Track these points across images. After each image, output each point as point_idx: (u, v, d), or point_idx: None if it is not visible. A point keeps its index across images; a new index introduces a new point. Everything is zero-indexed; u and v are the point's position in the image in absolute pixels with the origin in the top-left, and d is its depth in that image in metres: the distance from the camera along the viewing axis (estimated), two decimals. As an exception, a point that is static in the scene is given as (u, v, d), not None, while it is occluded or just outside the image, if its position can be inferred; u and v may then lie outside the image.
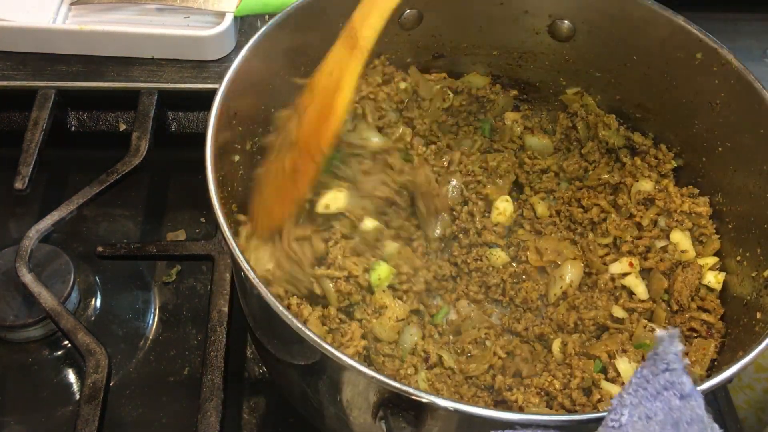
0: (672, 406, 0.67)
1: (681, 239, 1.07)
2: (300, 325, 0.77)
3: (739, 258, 1.03)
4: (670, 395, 0.67)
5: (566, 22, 1.13)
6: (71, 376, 1.15)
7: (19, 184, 1.20)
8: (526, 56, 1.20)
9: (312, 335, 0.77)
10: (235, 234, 0.86)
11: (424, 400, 0.75)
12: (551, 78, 1.21)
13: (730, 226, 1.06)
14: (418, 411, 0.78)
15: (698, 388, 0.71)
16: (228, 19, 1.36)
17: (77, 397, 1.12)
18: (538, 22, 1.15)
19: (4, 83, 1.32)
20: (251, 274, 0.81)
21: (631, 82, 1.15)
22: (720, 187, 1.09)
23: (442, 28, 1.17)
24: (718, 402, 1.16)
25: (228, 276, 1.13)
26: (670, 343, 0.68)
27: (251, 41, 0.98)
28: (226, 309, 1.10)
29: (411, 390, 0.75)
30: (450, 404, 0.75)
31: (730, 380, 0.79)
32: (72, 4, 1.38)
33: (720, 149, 1.07)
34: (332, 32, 1.09)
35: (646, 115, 1.16)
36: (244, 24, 1.42)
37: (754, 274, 1.00)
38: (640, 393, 0.67)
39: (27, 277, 1.09)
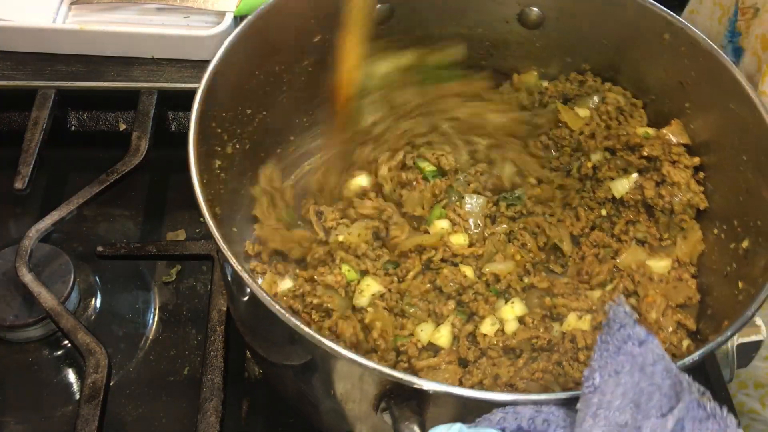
0: (634, 354, 0.72)
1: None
2: (297, 322, 0.77)
3: (716, 231, 1.04)
4: (629, 347, 0.72)
5: (535, 9, 1.14)
6: (71, 376, 1.15)
7: (19, 184, 1.20)
8: (497, 45, 1.20)
9: (309, 331, 0.77)
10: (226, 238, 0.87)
11: (425, 388, 0.76)
12: (523, 65, 1.23)
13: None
14: (420, 399, 0.78)
15: (691, 357, 0.79)
16: (228, 19, 1.36)
17: (77, 397, 1.12)
18: (507, 11, 1.16)
19: (4, 83, 1.32)
20: (245, 276, 0.81)
21: (603, 66, 1.17)
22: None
23: (413, 21, 1.17)
24: (717, 402, 1.16)
25: (228, 276, 1.13)
26: (619, 305, 0.75)
27: (225, 44, 0.99)
28: (225, 309, 1.10)
29: (414, 379, 0.76)
30: (449, 389, 0.77)
31: (718, 347, 0.84)
32: (72, 4, 1.38)
33: (692, 126, 1.09)
34: (305, 30, 1.10)
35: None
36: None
37: (732, 246, 1.00)
38: (604, 355, 0.73)
39: (27, 277, 1.09)
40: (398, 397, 0.79)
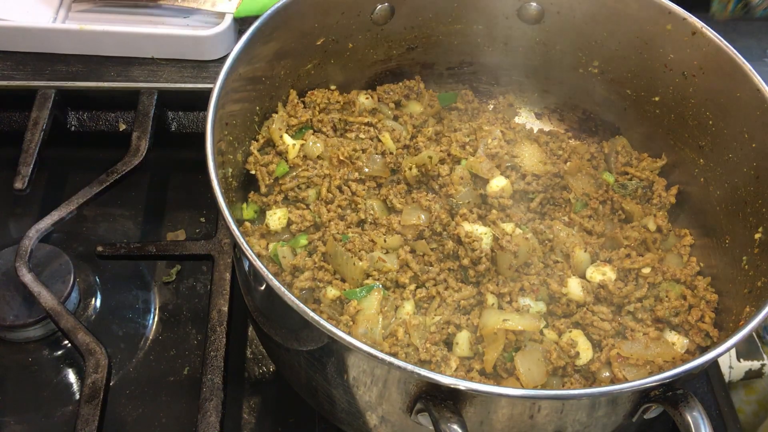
0: None
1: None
2: (329, 326, 0.78)
3: (728, 240, 1.05)
4: None
5: (534, 4, 1.15)
6: (71, 376, 1.15)
7: (19, 184, 1.20)
8: (497, 41, 1.21)
9: (342, 334, 0.78)
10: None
11: (461, 388, 0.76)
12: (523, 61, 1.23)
13: (717, 193, 1.08)
14: (457, 399, 0.79)
15: (729, 341, 0.78)
16: (228, 19, 1.36)
17: (77, 397, 1.12)
18: (507, 7, 1.17)
19: (4, 83, 1.32)
20: (261, 267, 0.82)
21: (603, 59, 1.17)
22: (696, 164, 1.12)
23: (414, 20, 1.18)
24: (717, 403, 1.16)
25: (228, 276, 1.13)
26: None
27: (235, 49, 1.00)
28: (226, 309, 1.10)
29: (457, 381, 0.76)
30: (485, 389, 0.77)
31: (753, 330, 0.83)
32: (72, 3, 1.38)
33: (696, 119, 1.09)
34: (309, 33, 1.10)
35: (622, 90, 1.18)
36: (244, 24, 1.42)
37: (749, 250, 1.01)
38: None
39: (27, 277, 1.09)
40: (435, 398, 0.79)
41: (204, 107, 0.95)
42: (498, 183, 1.10)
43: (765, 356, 1.36)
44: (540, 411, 0.83)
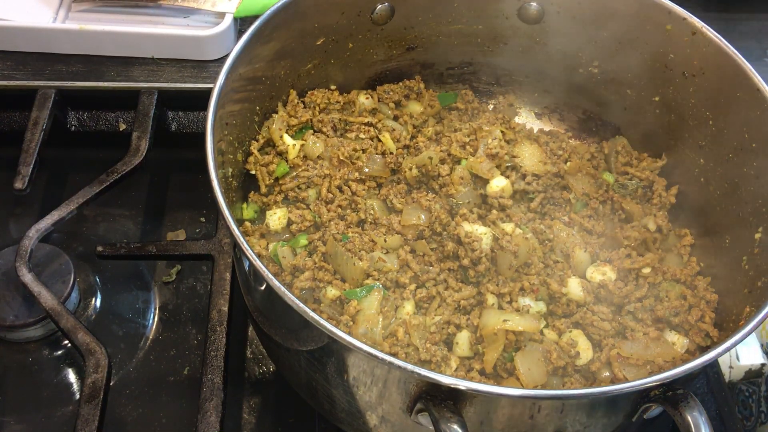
0: None
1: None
2: (329, 326, 0.78)
3: (728, 240, 1.05)
4: None
5: (534, 4, 1.15)
6: (71, 376, 1.15)
7: (19, 184, 1.20)
8: (497, 41, 1.22)
9: (342, 334, 0.78)
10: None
11: (462, 388, 0.76)
12: (523, 61, 1.23)
13: (717, 193, 1.08)
14: (457, 399, 0.79)
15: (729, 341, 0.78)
16: (228, 19, 1.36)
17: (77, 397, 1.12)
18: (507, 7, 1.17)
19: (4, 83, 1.32)
20: (261, 267, 0.82)
21: (603, 59, 1.17)
22: (696, 164, 1.11)
23: (414, 20, 1.18)
24: (717, 403, 1.16)
25: (228, 276, 1.13)
26: None
27: (236, 49, 1.00)
28: (226, 309, 1.10)
29: (457, 381, 0.77)
30: (485, 389, 0.77)
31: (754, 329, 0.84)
32: (73, 2, 1.38)
33: (696, 119, 1.09)
34: (310, 33, 1.10)
35: (622, 90, 1.19)
36: (244, 24, 1.42)
37: (749, 250, 1.01)
38: None
39: (27, 277, 1.09)
40: (435, 398, 0.79)
41: (204, 107, 0.95)
42: (498, 183, 1.10)
43: (765, 356, 1.36)
44: (540, 411, 0.83)
